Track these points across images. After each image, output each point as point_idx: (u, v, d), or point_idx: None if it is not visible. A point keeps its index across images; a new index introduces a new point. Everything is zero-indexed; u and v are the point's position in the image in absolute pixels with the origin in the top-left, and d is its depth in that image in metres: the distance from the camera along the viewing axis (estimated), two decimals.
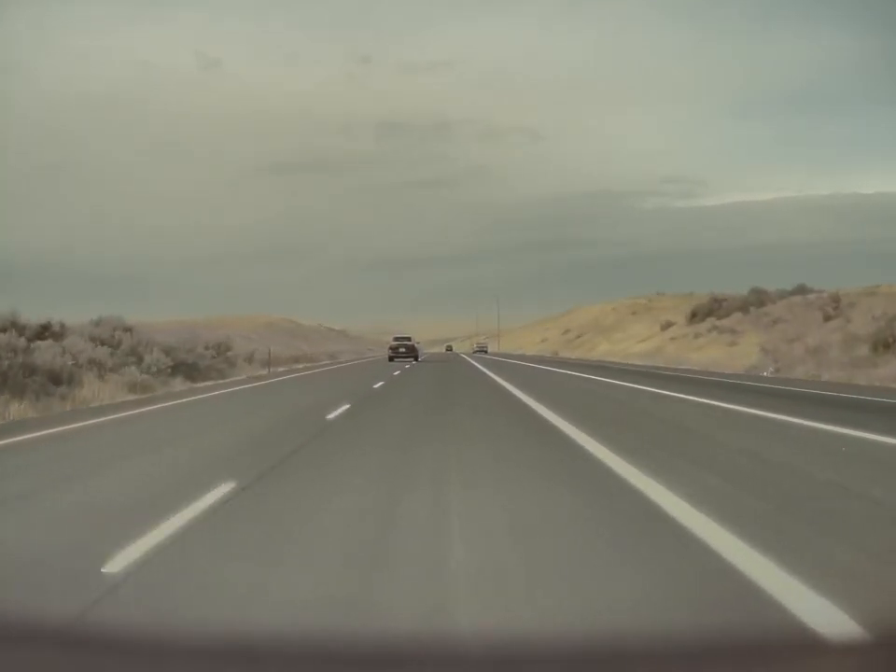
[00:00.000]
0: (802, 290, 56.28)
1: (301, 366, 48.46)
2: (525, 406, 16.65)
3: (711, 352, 49.33)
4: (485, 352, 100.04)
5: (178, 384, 25.37)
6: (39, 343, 21.02)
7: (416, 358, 54.39)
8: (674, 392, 21.03)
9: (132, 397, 20.46)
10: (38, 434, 12.07)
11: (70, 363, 20.34)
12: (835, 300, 43.92)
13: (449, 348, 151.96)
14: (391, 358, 53.56)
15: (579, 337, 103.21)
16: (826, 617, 3.66)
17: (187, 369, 28.21)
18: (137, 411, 16.44)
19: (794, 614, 3.74)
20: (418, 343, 61.53)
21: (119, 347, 25.27)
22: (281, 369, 41.83)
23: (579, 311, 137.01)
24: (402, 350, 54.78)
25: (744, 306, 60.24)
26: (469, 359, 63.13)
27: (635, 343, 70.83)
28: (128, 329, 27.35)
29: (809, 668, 2.81)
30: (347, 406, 16.29)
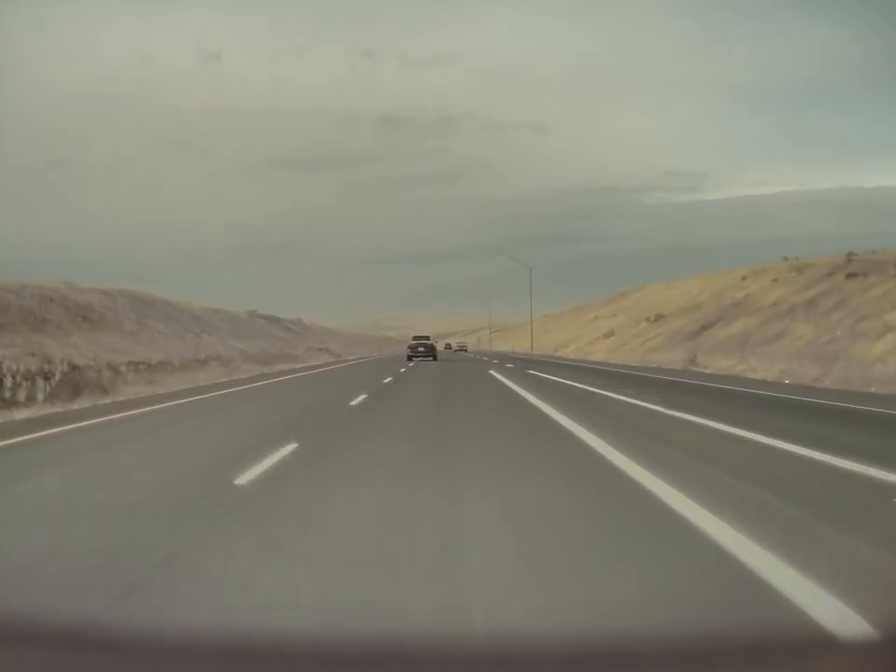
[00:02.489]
0: None
1: None
2: None
3: None
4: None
5: None
6: None
7: (435, 357, 55.75)
8: None
9: None
10: None
11: None
12: None
13: (448, 346, 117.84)
14: (410, 357, 54.43)
15: (705, 329, 55.75)
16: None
17: None
18: None
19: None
20: (437, 342, 65.01)
21: None
22: None
23: (647, 290, 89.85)
24: (421, 349, 56.32)
25: None
26: (524, 393, 18.19)
27: None
28: None
29: (812, 666, 2.65)
30: None
